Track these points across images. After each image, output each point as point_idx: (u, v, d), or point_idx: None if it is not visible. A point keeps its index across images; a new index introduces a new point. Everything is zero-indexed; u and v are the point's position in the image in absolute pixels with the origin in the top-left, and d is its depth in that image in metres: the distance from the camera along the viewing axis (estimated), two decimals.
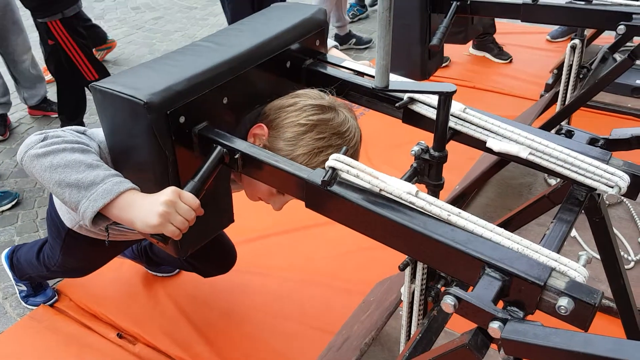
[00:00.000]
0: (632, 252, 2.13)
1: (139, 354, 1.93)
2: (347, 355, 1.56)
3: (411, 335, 1.27)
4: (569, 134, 1.22)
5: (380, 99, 1.29)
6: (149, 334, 1.98)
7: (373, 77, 1.06)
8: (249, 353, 1.91)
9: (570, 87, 2.42)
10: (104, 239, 1.44)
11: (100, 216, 1.08)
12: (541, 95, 2.98)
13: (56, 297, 2.16)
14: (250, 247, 2.34)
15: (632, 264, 2.09)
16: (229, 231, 2.37)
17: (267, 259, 2.29)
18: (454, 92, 1.03)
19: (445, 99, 1.04)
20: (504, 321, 0.80)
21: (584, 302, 0.77)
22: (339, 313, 1.96)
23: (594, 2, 1.93)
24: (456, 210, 0.93)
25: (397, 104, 1.22)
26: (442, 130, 1.08)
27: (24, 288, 2.14)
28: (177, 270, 2.22)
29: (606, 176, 1.06)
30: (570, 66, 2.39)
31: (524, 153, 1.11)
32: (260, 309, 2.07)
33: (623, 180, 1.05)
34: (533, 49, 3.94)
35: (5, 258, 2.13)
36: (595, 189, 1.09)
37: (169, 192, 1.05)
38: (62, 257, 1.71)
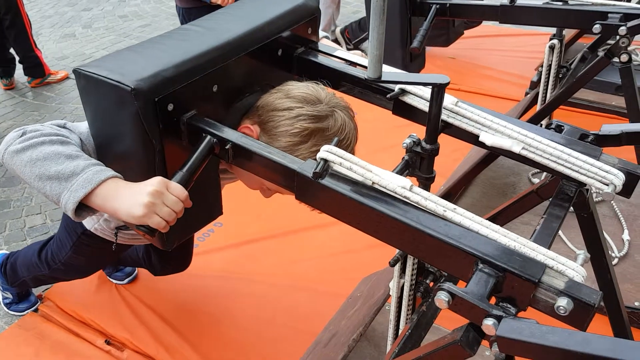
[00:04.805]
0: (616, 249, 2.15)
1: None
2: (334, 351, 1.55)
3: (399, 331, 1.26)
4: (559, 129, 1.21)
5: (373, 90, 1.27)
6: (137, 340, 1.96)
7: (366, 67, 1.04)
8: (236, 357, 1.90)
9: (550, 87, 2.43)
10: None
11: (84, 207, 1.05)
12: (526, 93, 3.00)
13: (39, 302, 2.13)
14: (236, 252, 2.33)
15: (616, 260, 2.10)
16: (215, 236, 2.38)
17: (254, 264, 2.27)
18: (448, 83, 1.02)
19: (439, 90, 1.02)
20: (499, 318, 0.78)
21: (583, 302, 0.76)
22: (325, 315, 1.95)
23: (570, 2, 1.95)
24: (451, 206, 0.92)
25: (388, 95, 1.20)
26: (434, 122, 1.06)
27: (8, 296, 2.11)
28: (132, 276, 2.19)
29: (601, 174, 1.06)
30: (550, 66, 2.39)
31: (516, 148, 1.10)
32: (247, 313, 2.06)
33: (618, 179, 1.05)
34: (516, 51, 3.95)
35: None
36: (585, 185, 1.09)
37: (155, 182, 1.02)
38: (71, 254, 1.69)
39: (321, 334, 1.74)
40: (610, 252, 2.13)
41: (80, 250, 1.66)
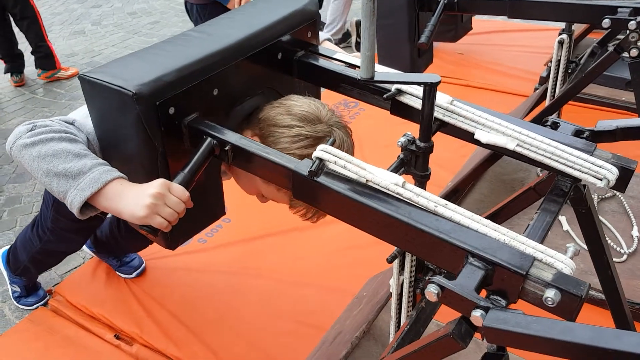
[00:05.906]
0: (624, 245, 2.14)
1: (136, 355, 1.94)
2: (338, 349, 1.57)
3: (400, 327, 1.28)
4: (555, 126, 1.22)
5: (371, 91, 1.30)
6: (146, 334, 1.99)
7: None
8: (244, 351, 1.92)
9: (559, 82, 2.42)
10: None
11: (88, 205, 1.09)
12: (535, 89, 2.99)
13: (48, 297, 2.17)
14: (244, 248, 2.36)
15: (624, 256, 2.09)
16: (223, 232, 2.41)
17: (260, 260, 2.30)
18: (439, 82, 1.04)
19: (430, 89, 1.04)
20: (486, 309, 0.80)
21: (570, 293, 0.78)
22: (331, 311, 1.97)
23: None
24: (443, 201, 0.94)
25: (384, 95, 1.22)
26: (427, 121, 1.08)
27: (17, 289, 2.15)
28: (140, 270, 2.22)
29: (594, 169, 1.07)
30: (559, 61, 2.39)
31: (511, 145, 1.12)
32: (254, 309, 2.08)
33: (611, 173, 1.06)
34: (525, 47, 3.92)
35: (2, 256, 2.14)
36: (580, 180, 1.10)
37: (157, 184, 1.05)
38: (53, 214, 1.71)
39: (327, 333, 1.77)
40: (619, 248, 2.12)
41: (59, 208, 1.68)
